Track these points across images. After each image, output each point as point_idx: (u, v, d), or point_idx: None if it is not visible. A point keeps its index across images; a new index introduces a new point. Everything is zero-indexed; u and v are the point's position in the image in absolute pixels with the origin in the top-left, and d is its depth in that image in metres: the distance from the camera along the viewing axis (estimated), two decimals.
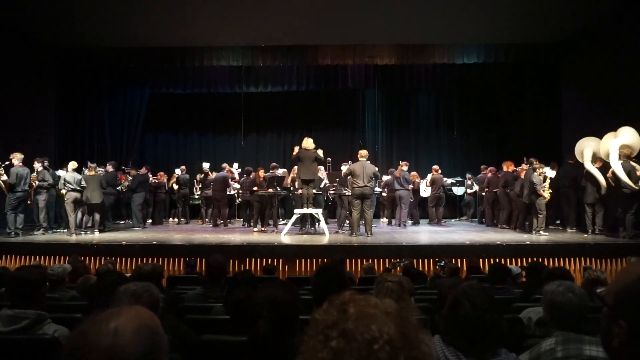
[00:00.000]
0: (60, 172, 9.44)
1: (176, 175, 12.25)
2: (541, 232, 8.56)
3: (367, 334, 0.71)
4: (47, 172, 8.96)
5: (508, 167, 10.33)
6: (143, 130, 13.61)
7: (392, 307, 0.79)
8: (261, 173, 10.23)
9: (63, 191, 8.64)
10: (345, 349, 0.71)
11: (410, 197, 11.06)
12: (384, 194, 11.51)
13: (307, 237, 8.71)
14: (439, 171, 11.77)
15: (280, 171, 11.02)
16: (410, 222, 11.25)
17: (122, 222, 11.70)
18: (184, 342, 2.38)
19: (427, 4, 9.32)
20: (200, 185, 11.92)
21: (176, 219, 12.47)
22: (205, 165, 11.90)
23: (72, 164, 8.92)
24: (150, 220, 11.45)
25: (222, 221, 10.91)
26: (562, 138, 11.42)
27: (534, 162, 8.97)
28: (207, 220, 11.91)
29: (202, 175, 11.91)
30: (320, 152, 8.62)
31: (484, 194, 11.19)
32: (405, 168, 10.84)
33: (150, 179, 11.31)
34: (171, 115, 14.39)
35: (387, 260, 6.99)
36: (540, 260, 6.66)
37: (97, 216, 9.21)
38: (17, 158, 8.40)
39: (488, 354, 1.68)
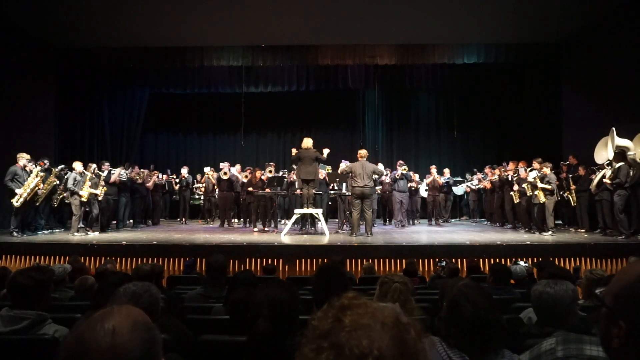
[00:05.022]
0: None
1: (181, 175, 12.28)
2: (550, 232, 8.55)
3: (357, 349, 0.70)
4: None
5: (515, 166, 10.25)
6: (143, 130, 13.63)
7: (391, 316, 0.76)
8: (258, 174, 10.23)
9: (66, 193, 8.68)
10: None
11: (409, 197, 11.06)
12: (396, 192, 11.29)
13: (307, 237, 8.70)
14: (439, 171, 11.80)
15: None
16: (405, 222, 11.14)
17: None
18: (183, 342, 2.38)
19: (427, 4, 9.32)
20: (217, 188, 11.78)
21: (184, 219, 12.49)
22: (206, 169, 11.95)
23: (78, 164, 8.92)
24: (150, 221, 11.47)
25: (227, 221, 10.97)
26: (562, 138, 11.42)
27: (534, 163, 8.98)
28: (210, 220, 12.07)
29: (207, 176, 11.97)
30: (325, 152, 8.61)
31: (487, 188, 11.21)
32: (403, 168, 10.79)
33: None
34: (171, 115, 14.41)
35: (387, 260, 7.00)
36: (541, 259, 6.69)
37: (97, 216, 9.22)
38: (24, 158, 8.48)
39: (493, 354, 1.67)
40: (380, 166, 8.86)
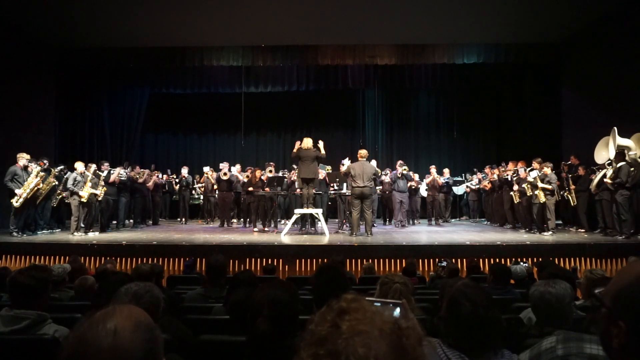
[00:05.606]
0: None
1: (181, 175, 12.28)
2: (550, 232, 8.53)
3: (353, 357, 0.69)
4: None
5: (514, 166, 10.23)
6: (143, 130, 13.62)
7: (390, 322, 0.75)
8: (258, 173, 10.23)
9: (65, 193, 8.67)
10: None
11: (408, 197, 11.06)
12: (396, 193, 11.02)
13: (307, 237, 8.71)
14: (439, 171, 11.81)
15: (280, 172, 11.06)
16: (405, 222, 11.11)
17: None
18: (183, 342, 2.37)
19: (427, 4, 9.32)
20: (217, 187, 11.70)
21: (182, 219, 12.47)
22: (205, 169, 11.95)
23: (80, 164, 8.92)
24: (151, 221, 11.46)
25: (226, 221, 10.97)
26: (562, 138, 11.42)
27: (534, 163, 8.98)
28: (210, 220, 12.09)
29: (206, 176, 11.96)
30: (321, 145, 8.60)
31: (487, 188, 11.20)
32: (404, 167, 10.77)
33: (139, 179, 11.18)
34: (171, 115, 14.41)
35: (387, 260, 7.00)
36: (541, 260, 6.69)
37: (97, 216, 9.22)
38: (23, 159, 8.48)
39: (492, 353, 1.67)
40: (374, 162, 8.95)
